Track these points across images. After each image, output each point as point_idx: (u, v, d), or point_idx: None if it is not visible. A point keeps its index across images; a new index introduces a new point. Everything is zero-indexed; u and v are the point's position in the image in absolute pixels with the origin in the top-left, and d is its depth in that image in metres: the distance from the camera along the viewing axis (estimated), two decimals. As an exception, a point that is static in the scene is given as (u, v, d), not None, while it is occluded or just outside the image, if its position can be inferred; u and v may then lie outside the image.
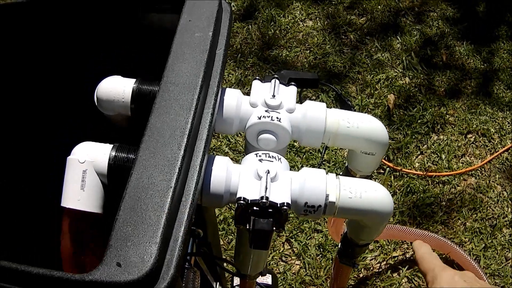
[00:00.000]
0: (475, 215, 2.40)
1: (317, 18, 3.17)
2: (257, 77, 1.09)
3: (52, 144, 1.18)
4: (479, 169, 2.55)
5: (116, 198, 0.81)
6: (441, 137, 2.65)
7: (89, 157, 0.89)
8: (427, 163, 2.54)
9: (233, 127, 1.04)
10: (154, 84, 0.99)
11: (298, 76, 1.14)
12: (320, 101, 2.72)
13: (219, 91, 0.94)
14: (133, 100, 0.98)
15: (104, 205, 0.90)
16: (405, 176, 2.49)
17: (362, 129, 1.06)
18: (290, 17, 3.16)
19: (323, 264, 2.25)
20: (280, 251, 2.29)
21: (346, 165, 1.23)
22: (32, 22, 1.13)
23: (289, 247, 2.31)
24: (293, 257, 2.28)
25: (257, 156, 1.00)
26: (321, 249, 2.28)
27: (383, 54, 2.97)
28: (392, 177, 2.49)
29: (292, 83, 1.09)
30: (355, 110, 2.41)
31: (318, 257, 2.28)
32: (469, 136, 2.66)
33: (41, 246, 1.07)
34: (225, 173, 0.94)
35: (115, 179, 0.90)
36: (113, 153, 0.88)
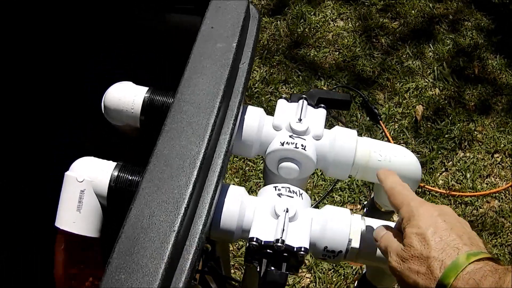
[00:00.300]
0: (495, 240, 2.30)
1: (349, 19, 3.06)
2: (283, 96, 1.00)
3: (52, 144, 1.14)
4: (504, 192, 2.45)
5: (117, 219, 0.73)
6: (468, 154, 2.54)
7: (89, 176, 0.81)
8: (451, 181, 2.44)
9: (252, 151, 0.96)
10: (168, 96, 0.90)
11: (329, 97, 1.05)
12: (345, 106, 2.64)
13: (239, 113, 0.85)
14: (144, 111, 0.89)
15: (102, 227, 0.83)
16: (428, 193, 2.40)
17: (394, 163, 0.97)
18: (321, 16, 3.06)
19: (334, 279, 2.16)
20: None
21: (372, 196, 1.13)
22: (34, 20, 1.07)
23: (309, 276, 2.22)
24: (303, 270, 2.20)
25: (276, 189, 0.91)
26: (334, 264, 2.19)
27: (414, 62, 2.86)
28: (414, 193, 2.38)
29: (322, 105, 1.00)
30: (381, 119, 2.34)
31: (330, 271, 2.19)
32: (496, 155, 2.56)
33: (41, 246, 1.01)
34: (239, 207, 0.86)
35: (116, 202, 0.82)
36: (115, 173, 0.81)
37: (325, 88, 2.72)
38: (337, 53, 2.90)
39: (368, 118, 2.62)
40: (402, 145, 2.41)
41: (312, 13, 3.07)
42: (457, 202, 2.39)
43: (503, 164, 2.52)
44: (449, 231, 0.71)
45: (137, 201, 0.68)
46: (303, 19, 3.04)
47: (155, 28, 1.06)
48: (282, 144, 0.92)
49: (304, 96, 1.00)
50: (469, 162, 2.51)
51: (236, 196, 0.86)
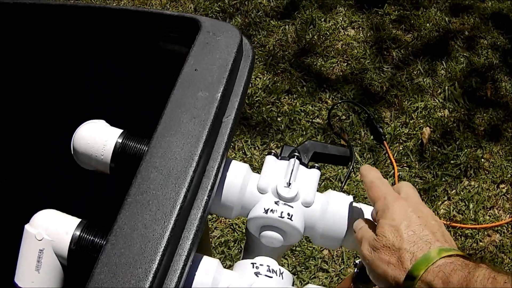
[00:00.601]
0: (494, 277, 2.19)
1: (360, 28, 2.94)
2: (273, 152, 0.90)
3: (52, 144, 1.06)
4: (506, 226, 2.34)
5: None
6: (472, 183, 2.43)
7: (49, 233, 0.73)
8: (453, 211, 2.33)
9: (232, 213, 0.86)
10: (143, 142, 0.80)
11: (326, 152, 0.96)
12: (350, 123, 2.53)
13: (216, 181, 0.75)
14: (114, 158, 0.79)
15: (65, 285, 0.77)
16: (427, 222, 2.29)
17: None
18: (332, 23, 2.94)
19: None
20: (279, 286, 2.10)
21: (359, 261, 1.03)
22: (35, 23, 0.99)
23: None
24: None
25: (253, 267, 0.81)
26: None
27: (425, 80, 2.74)
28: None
29: (316, 165, 0.90)
30: (385, 139, 2.23)
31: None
32: (501, 186, 2.44)
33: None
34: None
35: (77, 265, 0.75)
36: (77, 233, 0.73)
37: (329, 102, 2.61)
38: (345, 64, 2.79)
39: (372, 137, 2.52)
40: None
41: (323, 19, 2.96)
42: (457, 234, 2.28)
43: (508, 196, 2.41)
44: (422, 227, 0.72)
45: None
46: (313, 25, 2.93)
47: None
48: (266, 212, 0.82)
49: (296, 153, 0.90)
50: (473, 192, 2.40)
51: (208, 271, 0.77)
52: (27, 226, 0.74)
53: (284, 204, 0.83)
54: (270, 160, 0.89)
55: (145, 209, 0.65)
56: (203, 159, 0.72)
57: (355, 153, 2.44)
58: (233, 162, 0.86)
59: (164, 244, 0.63)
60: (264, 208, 0.82)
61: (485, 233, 2.30)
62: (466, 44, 2.94)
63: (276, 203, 0.83)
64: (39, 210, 0.86)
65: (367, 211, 0.87)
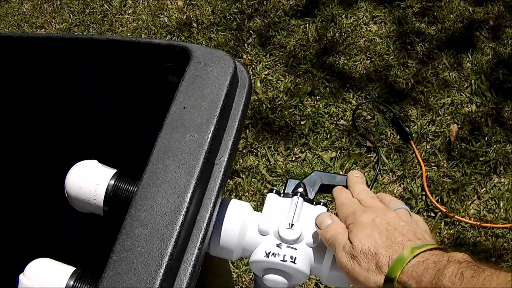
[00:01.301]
0: (527, 277, 2.13)
1: (383, 23, 2.89)
2: (274, 189, 0.86)
3: (50, 147, 1.05)
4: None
5: None
6: (502, 180, 2.37)
7: (43, 285, 0.71)
8: (483, 210, 2.28)
9: (233, 255, 0.83)
10: (135, 184, 0.76)
11: (334, 183, 0.91)
12: (375, 123, 2.48)
13: (208, 231, 0.71)
14: (107, 202, 0.76)
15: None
16: (457, 224, 2.23)
17: None
18: (353, 19, 2.89)
19: None
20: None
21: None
22: (23, 56, 0.96)
23: (319, 291, 2.09)
24: None
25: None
26: None
27: (450, 74, 2.68)
28: (443, 223, 2.23)
29: (322, 202, 0.86)
30: (412, 139, 2.18)
31: None
32: (533, 182, 2.38)
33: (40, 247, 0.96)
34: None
35: None
36: (71, 283, 0.70)
37: (353, 102, 2.56)
38: (369, 61, 2.74)
39: (398, 137, 2.46)
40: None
41: (344, 16, 2.90)
42: (488, 234, 2.22)
43: (540, 192, 2.35)
44: (393, 231, 0.73)
45: None
46: (334, 22, 2.87)
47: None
48: (267, 256, 0.79)
49: (299, 189, 0.86)
50: (503, 189, 2.34)
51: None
52: (21, 277, 0.72)
53: (287, 246, 0.80)
54: (271, 198, 0.85)
55: (130, 268, 0.62)
56: (193, 209, 0.68)
57: (381, 154, 2.39)
58: (232, 202, 0.83)
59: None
60: (266, 252, 0.79)
61: (517, 232, 2.25)
62: (492, 34, 2.87)
63: (278, 245, 0.80)
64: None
65: None
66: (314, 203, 0.86)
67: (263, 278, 0.81)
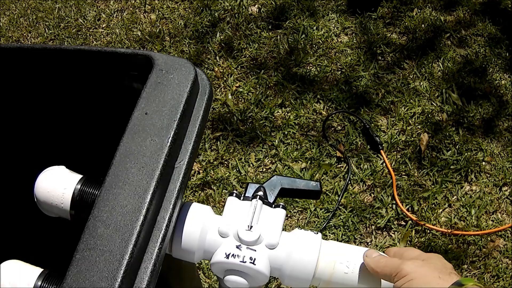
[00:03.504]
0: (498, 283, 2.14)
1: (354, 34, 2.90)
2: (234, 192, 0.87)
3: (20, 154, 1.06)
4: (510, 229, 2.28)
5: None
6: (474, 187, 2.38)
7: (12, 285, 0.73)
8: (454, 218, 2.28)
9: (195, 257, 0.84)
10: (99, 188, 0.77)
11: (294, 186, 0.92)
12: (345, 133, 2.49)
13: (168, 232, 0.72)
14: (74, 205, 0.78)
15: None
16: (428, 232, 2.24)
17: (364, 276, 0.84)
18: (324, 30, 2.90)
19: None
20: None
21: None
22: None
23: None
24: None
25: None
26: None
27: (421, 83, 2.69)
28: (414, 231, 2.23)
29: (281, 204, 0.87)
30: (382, 148, 2.18)
31: None
32: (504, 189, 2.38)
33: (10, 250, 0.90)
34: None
35: None
36: (39, 283, 0.72)
37: (324, 113, 2.57)
38: (339, 72, 2.74)
39: (368, 147, 2.47)
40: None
41: (315, 27, 2.91)
42: (459, 241, 2.23)
43: (511, 199, 2.36)
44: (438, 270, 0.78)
45: None
46: (305, 34, 2.88)
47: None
48: (227, 257, 0.80)
49: (259, 193, 0.86)
50: (474, 197, 2.34)
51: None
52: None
53: (247, 248, 0.80)
54: (231, 201, 0.86)
55: (92, 266, 0.63)
56: (153, 210, 0.70)
57: (352, 164, 2.39)
58: (193, 205, 0.84)
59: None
60: (226, 253, 0.80)
61: (489, 238, 2.25)
62: (463, 42, 2.88)
63: (238, 247, 0.81)
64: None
65: (339, 248, 0.84)
66: (274, 206, 0.86)
67: (224, 279, 0.82)
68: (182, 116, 0.76)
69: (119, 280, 0.62)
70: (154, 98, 0.78)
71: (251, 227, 0.81)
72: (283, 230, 0.85)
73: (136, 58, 0.86)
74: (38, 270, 0.73)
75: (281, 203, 0.87)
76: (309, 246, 0.82)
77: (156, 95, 0.78)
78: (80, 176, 0.80)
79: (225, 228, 0.82)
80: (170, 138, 0.74)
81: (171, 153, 0.74)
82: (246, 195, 0.87)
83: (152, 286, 0.67)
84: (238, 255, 0.79)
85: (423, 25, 2.94)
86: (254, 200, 0.85)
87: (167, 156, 0.72)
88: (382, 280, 0.83)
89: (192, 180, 2.37)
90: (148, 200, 0.68)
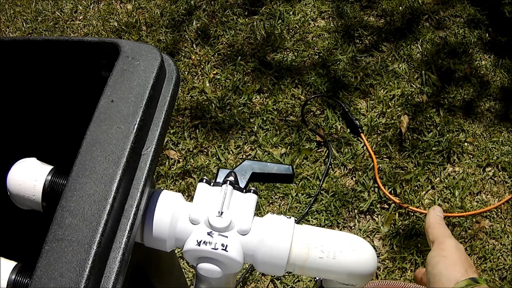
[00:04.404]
0: (485, 264, 2.12)
1: (330, 18, 2.87)
2: (205, 178, 0.84)
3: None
4: (495, 210, 2.26)
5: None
6: (457, 169, 2.36)
7: None
8: (438, 199, 2.26)
9: (167, 245, 0.81)
10: None
11: (266, 171, 0.89)
12: (325, 117, 2.46)
13: (136, 220, 0.69)
14: (45, 197, 0.77)
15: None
16: (412, 214, 2.21)
17: (340, 260, 0.81)
18: (301, 15, 2.87)
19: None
20: (262, 293, 2.03)
21: (320, 279, 0.96)
22: None
23: (273, 289, 2.05)
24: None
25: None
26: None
27: (400, 66, 2.67)
28: (397, 214, 2.21)
29: (252, 189, 0.84)
30: (362, 131, 2.15)
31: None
32: (488, 169, 2.37)
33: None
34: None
35: None
36: (13, 277, 0.71)
37: (302, 98, 2.54)
38: (317, 56, 2.71)
39: (348, 131, 2.44)
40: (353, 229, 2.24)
41: (292, 12, 2.88)
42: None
43: (495, 179, 2.34)
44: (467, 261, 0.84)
45: None
46: (281, 20, 2.85)
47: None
48: (199, 244, 0.77)
49: (230, 178, 0.83)
50: (458, 178, 2.32)
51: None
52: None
53: (218, 234, 0.77)
54: (201, 187, 0.82)
55: (61, 257, 0.62)
56: (120, 198, 0.68)
57: (332, 148, 2.37)
58: (163, 193, 0.80)
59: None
60: (197, 240, 0.77)
61: (474, 220, 2.23)
62: (442, 24, 2.86)
63: (209, 234, 0.77)
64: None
65: (313, 232, 0.81)
66: (245, 191, 0.83)
67: (197, 267, 0.79)
68: (148, 103, 0.75)
69: (87, 270, 0.61)
70: (120, 85, 0.76)
71: (222, 213, 0.78)
72: (255, 215, 0.82)
73: (103, 46, 0.85)
74: (12, 264, 0.72)
75: (253, 188, 0.84)
76: (282, 231, 0.79)
77: (122, 82, 0.76)
78: (51, 167, 0.79)
79: (196, 215, 0.79)
80: (136, 125, 0.72)
81: (138, 140, 0.72)
82: (217, 180, 0.84)
83: (121, 275, 0.65)
84: (209, 242, 0.77)
85: (400, 8, 2.92)
86: (224, 186, 0.82)
87: (133, 143, 0.70)
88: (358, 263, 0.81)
89: (172, 169, 2.33)
90: (114, 188, 0.66)
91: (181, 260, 2.05)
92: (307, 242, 0.79)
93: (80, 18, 3.04)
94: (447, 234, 0.88)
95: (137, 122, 0.72)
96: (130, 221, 0.68)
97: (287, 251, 0.78)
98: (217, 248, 0.76)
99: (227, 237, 0.77)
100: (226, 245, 0.76)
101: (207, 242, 0.76)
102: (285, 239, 0.78)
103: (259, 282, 2.05)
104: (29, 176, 0.77)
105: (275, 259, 0.78)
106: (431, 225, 0.90)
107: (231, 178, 0.84)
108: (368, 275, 0.82)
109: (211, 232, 0.77)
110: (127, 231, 0.67)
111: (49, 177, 0.77)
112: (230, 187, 0.81)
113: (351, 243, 0.81)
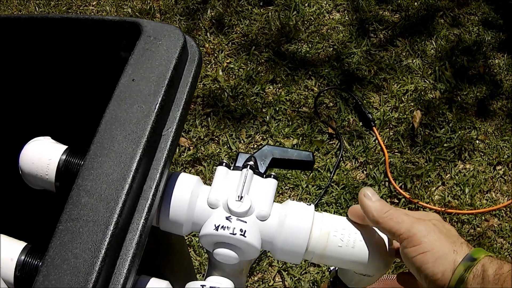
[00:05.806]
0: (494, 263, 2.10)
1: (345, 11, 2.86)
2: (225, 162, 0.82)
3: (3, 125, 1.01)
4: (504, 209, 2.25)
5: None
6: (468, 166, 2.35)
7: None
8: (447, 196, 2.25)
9: (183, 230, 0.79)
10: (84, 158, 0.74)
11: (286, 157, 0.88)
12: (337, 110, 2.45)
13: (154, 202, 0.68)
14: (59, 177, 0.75)
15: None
16: (421, 210, 2.20)
17: (359, 249, 0.80)
18: (316, 7, 2.86)
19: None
20: (270, 284, 2.03)
21: (336, 268, 0.95)
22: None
23: (280, 280, 2.05)
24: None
25: (203, 289, 0.74)
26: (316, 287, 2.02)
27: (414, 61, 2.66)
28: (407, 209, 2.19)
29: (272, 174, 0.82)
30: (375, 125, 2.15)
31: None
32: (498, 168, 2.36)
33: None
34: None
35: None
36: (22, 258, 0.69)
37: (315, 89, 2.53)
38: (331, 49, 2.70)
39: (361, 124, 2.43)
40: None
41: (307, 4, 2.87)
42: (453, 220, 2.20)
43: (505, 178, 2.33)
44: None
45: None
46: (296, 11, 2.84)
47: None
48: (217, 229, 0.75)
49: (250, 162, 0.82)
50: (468, 175, 2.31)
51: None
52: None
53: (237, 219, 0.76)
54: (221, 171, 0.81)
55: (76, 237, 0.60)
56: (139, 179, 0.66)
57: (344, 141, 2.36)
58: (181, 175, 0.79)
59: (94, 276, 0.58)
60: (215, 225, 0.75)
61: (483, 218, 2.22)
62: (456, 21, 2.85)
63: (227, 218, 0.76)
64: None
65: (331, 220, 0.80)
66: (265, 176, 0.82)
67: (214, 252, 0.77)
68: (170, 83, 0.73)
69: (103, 251, 0.59)
70: (141, 64, 0.74)
71: (241, 197, 0.77)
72: (274, 201, 0.81)
73: (125, 25, 0.83)
74: (22, 244, 0.71)
75: (273, 173, 0.83)
76: (302, 217, 0.78)
77: (143, 61, 0.74)
78: (65, 146, 0.77)
79: (215, 198, 0.77)
80: (158, 105, 0.70)
81: (158, 120, 0.70)
82: (237, 164, 0.83)
83: (137, 258, 0.64)
84: (228, 227, 0.75)
85: (415, 3, 2.91)
86: (244, 170, 0.80)
87: (154, 123, 0.69)
88: (377, 253, 0.80)
89: (182, 156, 2.33)
90: (134, 169, 0.64)
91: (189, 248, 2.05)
92: (327, 230, 0.78)
93: (94, 3, 3.04)
94: (408, 221, 0.74)
95: (159, 102, 0.70)
96: (149, 202, 0.66)
97: (306, 238, 0.77)
98: (235, 233, 0.74)
99: (245, 222, 0.76)
100: (245, 231, 0.75)
101: (225, 227, 0.75)
102: (305, 226, 0.77)
103: (265, 273, 2.05)
104: (43, 154, 0.76)
105: (294, 246, 0.77)
106: (378, 219, 0.77)
107: (251, 163, 0.82)
108: (386, 266, 0.81)
109: (230, 216, 0.76)
110: (145, 213, 0.65)
111: (64, 157, 0.75)
112: (251, 171, 0.80)
113: (371, 233, 0.81)
